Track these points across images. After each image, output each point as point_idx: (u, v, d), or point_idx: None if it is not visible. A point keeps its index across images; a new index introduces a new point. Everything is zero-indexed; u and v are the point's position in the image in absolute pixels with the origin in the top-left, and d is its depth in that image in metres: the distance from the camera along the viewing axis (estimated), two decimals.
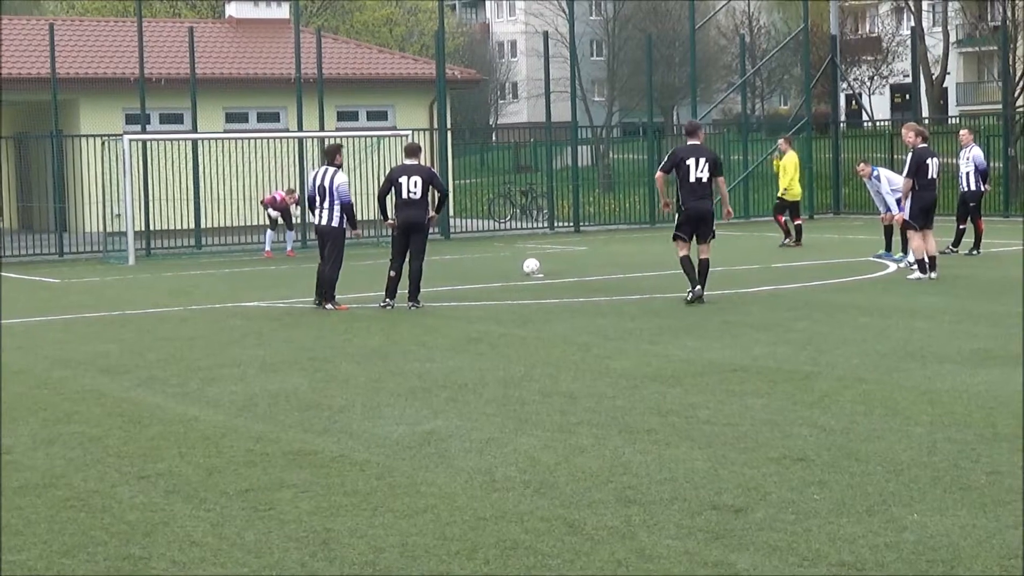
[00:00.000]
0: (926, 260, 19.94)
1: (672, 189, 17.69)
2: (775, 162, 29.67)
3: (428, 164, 30.70)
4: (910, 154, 20.06)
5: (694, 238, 17.42)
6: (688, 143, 17.49)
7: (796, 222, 28.22)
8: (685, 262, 17.32)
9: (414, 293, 17.92)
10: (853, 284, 19.95)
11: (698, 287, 17.18)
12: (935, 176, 20.11)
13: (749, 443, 9.04)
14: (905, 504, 7.44)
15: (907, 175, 19.98)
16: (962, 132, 26.33)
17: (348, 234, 18.50)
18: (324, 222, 18.25)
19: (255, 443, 9.49)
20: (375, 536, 7.10)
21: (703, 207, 17.27)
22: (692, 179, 17.13)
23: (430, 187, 17.99)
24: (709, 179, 17.25)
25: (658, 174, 17.60)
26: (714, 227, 17.66)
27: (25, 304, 20.61)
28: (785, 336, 14.27)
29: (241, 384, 12.12)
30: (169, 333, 16.19)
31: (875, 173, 23.25)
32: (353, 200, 18.48)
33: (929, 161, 19.92)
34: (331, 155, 18.43)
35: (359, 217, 33.42)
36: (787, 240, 28.07)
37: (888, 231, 23.37)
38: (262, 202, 30.58)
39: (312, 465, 8.75)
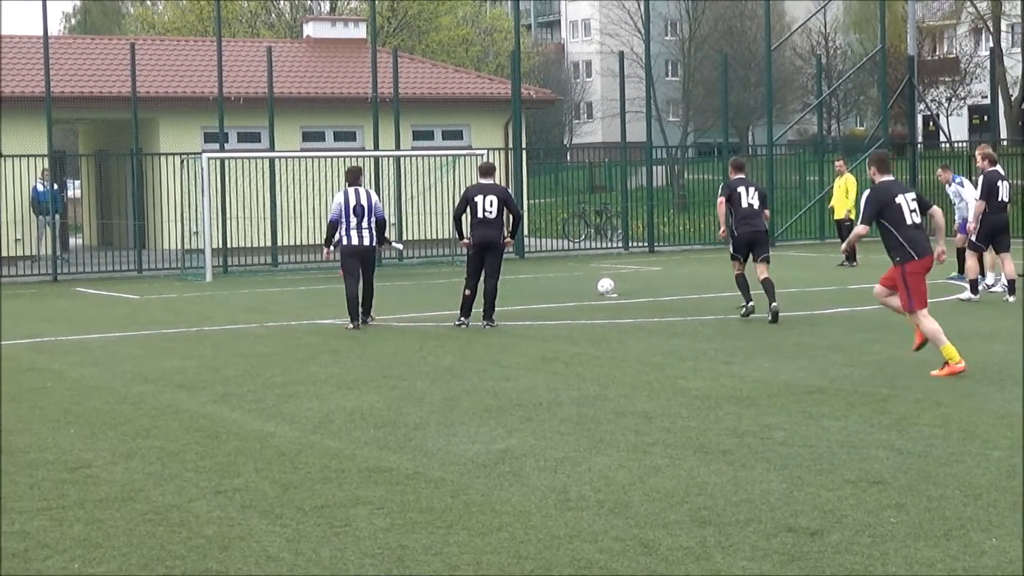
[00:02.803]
0: (979, 280, 20.18)
1: (728, 217, 18.86)
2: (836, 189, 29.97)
3: (502, 184, 30.77)
4: (981, 177, 20.08)
5: (750, 258, 18.45)
6: (734, 177, 18.73)
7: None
8: (740, 279, 18.55)
9: (489, 312, 17.97)
10: (930, 307, 19.70)
11: (751, 304, 18.33)
12: (1006, 199, 20.13)
13: (825, 465, 8.99)
14: (984, 529, 7.38)
15: (980, 197, 20.09)
16: None
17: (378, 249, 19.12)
18: (367, 242, 18.56)
19: (331, 459, 9.54)
20: (450, 554, 7.12)
21: (754, 229, 18.38)
22: (744, 205, 18.36)
23: (505, 207, 18.14)
24: (760, 206, 18.44)
25: (720, 200, 18.77)
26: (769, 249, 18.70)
27: (104, 320, 20.86)
28: (861, 358, 14.18)
29: (317, 401, 12.20)
30: (245, 349, 16.32)
31: (957, 179, 22.98)
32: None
33: (1000, 184, 19.99)
34: (358, 176, 18.89)
35: (434, 236, 33.83)
36: (852, 263, 28.04)
37: (962, 253, 23.15)
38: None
39: (387, 482, 8.79)
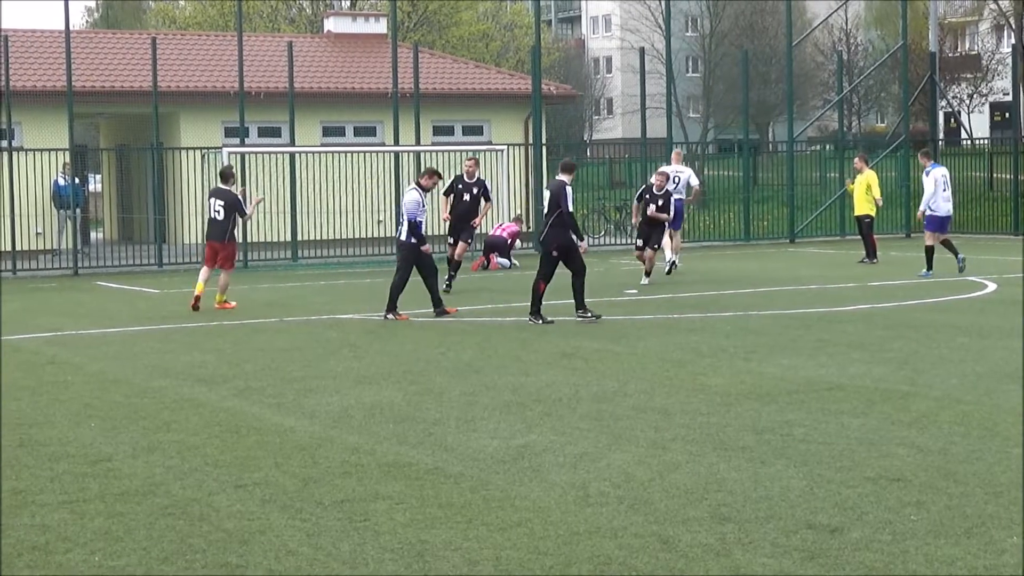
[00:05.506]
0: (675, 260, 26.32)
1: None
2: (849, 186, 29.97)
3: (525, 180, 30.62)
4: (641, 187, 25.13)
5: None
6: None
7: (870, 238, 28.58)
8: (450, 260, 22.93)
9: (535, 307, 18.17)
10: (950, 304, 19.73)
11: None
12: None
13: (845, 462, 8.97)
14: (1004, 526, 7.36)
15: (638, 199, 24.60)
16: None
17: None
18: (402, 238, 19.14)
19: (350, 454, 9.56)
20: (469, 549, 7.13)
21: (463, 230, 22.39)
22: (465, 198, 22.05)
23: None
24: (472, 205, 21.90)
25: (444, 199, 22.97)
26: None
27: (125, 314, 20.90)
28: (882, 355, 14.15)
29: (337, 396, 12.22)
30: (265, 344, 16.35)
31: (927, 170, 24.52)
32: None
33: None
34: (420, 174, 19.27)
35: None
36: (872, 260, 27.99)
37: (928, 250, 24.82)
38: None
39: (407, 477, 8.80)
